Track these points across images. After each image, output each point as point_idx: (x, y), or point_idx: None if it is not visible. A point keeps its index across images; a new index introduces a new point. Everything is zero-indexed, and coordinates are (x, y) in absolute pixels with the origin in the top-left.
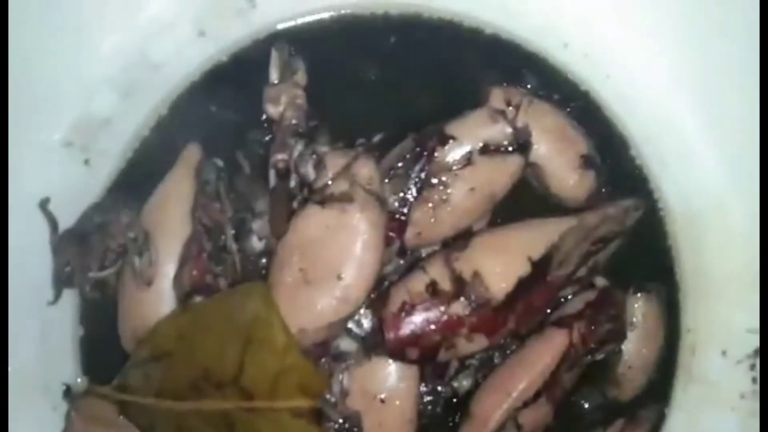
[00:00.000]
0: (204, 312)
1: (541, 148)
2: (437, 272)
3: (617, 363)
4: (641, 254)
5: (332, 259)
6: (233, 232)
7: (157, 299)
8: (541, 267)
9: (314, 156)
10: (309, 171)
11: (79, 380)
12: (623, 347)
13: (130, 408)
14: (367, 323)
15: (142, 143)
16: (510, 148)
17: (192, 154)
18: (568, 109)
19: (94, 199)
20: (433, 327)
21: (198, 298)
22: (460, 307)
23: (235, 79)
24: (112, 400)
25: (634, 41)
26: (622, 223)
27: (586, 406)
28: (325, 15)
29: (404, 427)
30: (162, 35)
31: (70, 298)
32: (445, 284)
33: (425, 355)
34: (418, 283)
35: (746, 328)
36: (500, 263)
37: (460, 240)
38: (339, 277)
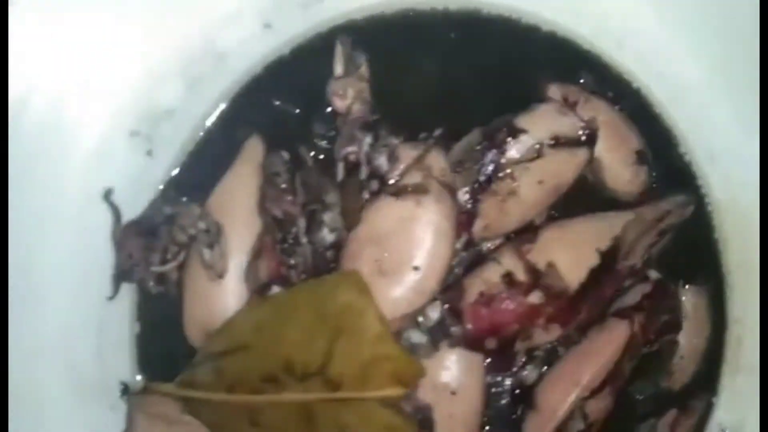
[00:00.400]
0: (288, 302)
1: (598, 144)
2: (511, 263)
3: (673, 353)
4: (689, 247)
5: (407, 250)
6: (305, 224)
7: (228, 292)
8: (608, 258)
9: (386, 148)
10: (382, 163)
11: (138, 378)
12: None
13: (196, 405)
14: (434, 315)
15: (204, 135)
16: (577, 142)
17: (254, 147)
18: (619, 107)
19: (155, 192)
20: (511, 317)
21: (275, 290)
22: (536, 297)
23: (297, 72)
24: (176, 397)
25: (681, 41)
26: (678, 217)
27: (639, 396)
28: (386, 10)
29: (473, 418)
30: (228, 27)
31: (126, 293)
32: (520, 275)
33: (503, 346)
34: (493, 274)
35: None
36: (572, 254)
37: (526, 233)
38: (414, 269)
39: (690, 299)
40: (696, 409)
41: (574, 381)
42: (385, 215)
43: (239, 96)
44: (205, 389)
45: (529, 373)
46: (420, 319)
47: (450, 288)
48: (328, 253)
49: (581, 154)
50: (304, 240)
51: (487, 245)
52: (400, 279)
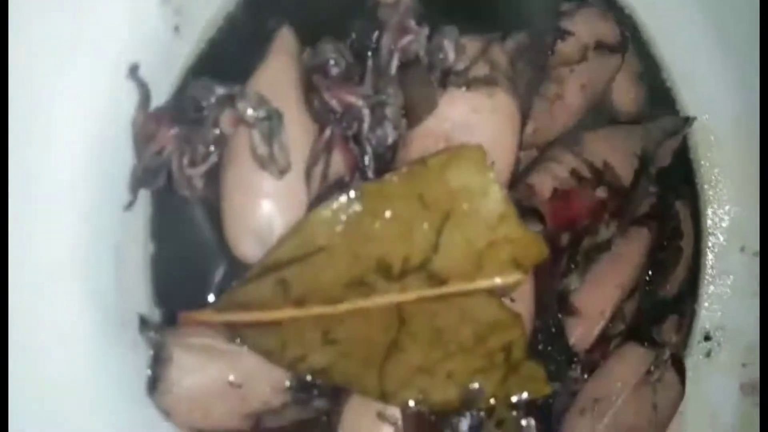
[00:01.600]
0: (381, 193)
1: None
2: (573, 162)
3: (679, 260)
4: (672, 165)
5: (482, 139)
6: (370, 117)
7: (291, 192)
8: (644, 161)
9: (450, 39)
10: (448, 54)
11: (155, 310)
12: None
13: (248, 330)
14: None
15: (231, 18)
16: (614, 47)
17: (286, 38)
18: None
19: (178, 78)
20: (586, 210)
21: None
22: (603, 192)
23: None
24: (221, 324)
25: None
26: (678, 135)
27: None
28: None
29: (528, 321)
30: None
31: (140, 205)
32: (585, 172)
33: (573, 242)
34: (561, 171)
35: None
36: (617, 157)
37: (571, 138)
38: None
39: (682, 212)
40: (686, 315)
41: (615, 283)
42: (457, 107)
43: None
44: (263, 308)
45: (572, 281)
46: None
47: (515, 188)
48: (387, 154)
49: (615, 60)
50: (370, 136)
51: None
52: None
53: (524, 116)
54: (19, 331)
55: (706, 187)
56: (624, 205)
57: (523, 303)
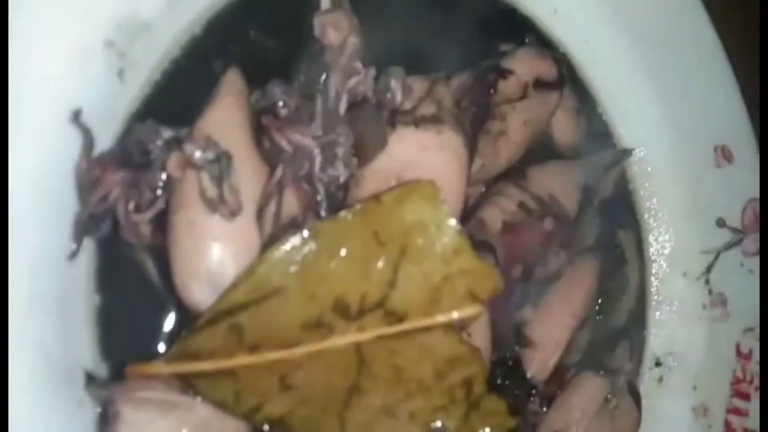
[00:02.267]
0: (336, 232)
1: None
2: (519, 195)
3: (626, 287)
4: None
5: (432, 179)
6: (321, 157)
7: (240, 233)
8: (587, 193)
9: (396, 80)
10: (395, 94)
11: (101, 364)
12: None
13: (201, 380)
14: None
15: (176, 61)
16: (552, 84)
17: (234, 80)
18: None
19: (121, 124)
20: (535, 241)
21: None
22: (549, 223)
23: (273, 5)
24: (171, 376)
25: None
26: (618, 167)
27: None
28: None
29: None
30: None
31: (84, 255)
32: (531, 204)
33: (525, 273)
34: (508, 204)
35: (700, 250)
36: (562, 188)
37: (515, 173)
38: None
39: (626, 241)
40: (636, 342)
41: (568, 313)
42: (406, 145)
43: (213, 23)
44: (216, 356)
45: (526, 312)
46: None
47: (465, 222)
48: (339, 193)
49: (554, 96)
50: (321, 176)
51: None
52: None
53: (471, 152)
54: None
55: (646, 216)
56: (571, 235)
57: (480, 337)
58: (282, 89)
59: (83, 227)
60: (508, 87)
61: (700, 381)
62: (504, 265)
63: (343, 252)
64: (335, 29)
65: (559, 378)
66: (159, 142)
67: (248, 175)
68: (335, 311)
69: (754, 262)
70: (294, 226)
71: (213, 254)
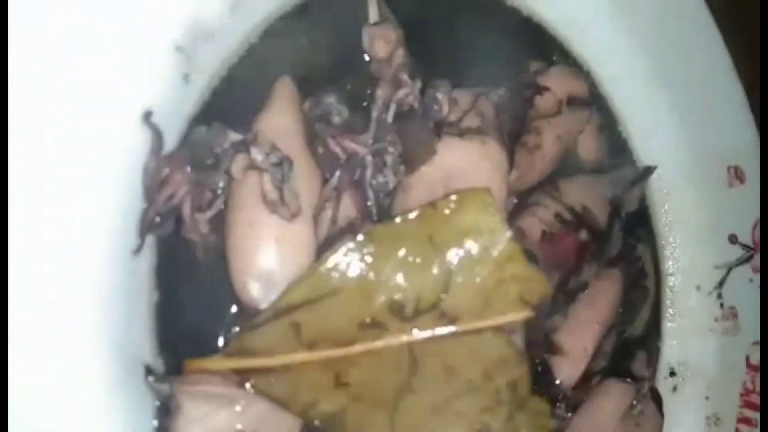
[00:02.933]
0: (393, 235)
1: None
2: (554, 206)
3: (646, 299)
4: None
5: (474, 185)
6: (373, 164)
7: (297, 235)
8: (615, 206)
9: (443, 92)
10: (442, 106)
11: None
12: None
13: (258, 377)
14: None
15: (232, 69)
16: (584, 102)
17: (287, 86)
18: None
19: (184, 126)
20: (571, 251)
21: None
22: (584, 234)
23: (323, 20)
24: (226, 372)
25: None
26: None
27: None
28: None
29: None
30: None
31: (146, 253)
32: (567, 215)
33: (562, 282)
34: (546, 215)
35: (713, 265)
36: (593, 201)
37: (549, 185)
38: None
39: (644, 254)
40: (653, 351)
41: (596, 321)
42: (452, 155)
43: (269, 33)
44: (274, 352)
45: (556, 320)
46: None
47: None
48: (386, 200)
49: (585, 113)
50: (372, 182)
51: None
52: None
53: (510, 164)
54: (23, 376)
55: (662, 231)
56: (603, 247)
57: (515, 342)
58: (335, 98)
59: (149, 224)
60: (544, 103)
61: (713, 391)
62: (548, 269)
63: (398, 255)
64: (383, 41)
65: (586, 384)
66: (226, 145)
67: (305, 180)
68: (391, 312)
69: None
70: (350, 230)
71: (271, 254)
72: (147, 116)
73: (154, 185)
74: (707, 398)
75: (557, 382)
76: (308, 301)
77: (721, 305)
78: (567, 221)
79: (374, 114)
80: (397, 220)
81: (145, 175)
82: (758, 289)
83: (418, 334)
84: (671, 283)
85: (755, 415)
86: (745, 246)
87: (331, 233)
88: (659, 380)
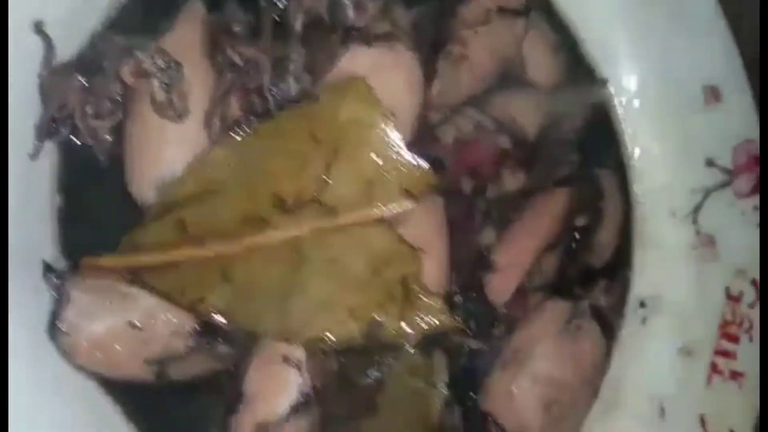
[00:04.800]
0: (274, 131)
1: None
2: (478, 116)
3: (601, 222)
4: (599, 138)
5: (383, 94)
6: (270, 70)
7: (188, 136)
8: (553, 119)
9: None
10: (349, 14)
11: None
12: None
13: (148, 273)
14: None
15: None
16: (517, 12)
17: (195, 7)
18: None
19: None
20: (486, 156)
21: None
22: (504, 142)
23: None
24: (121, 269)
25: None
26: (594, 100)
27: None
28: None
29: (441, 276)
30: None
31: (46, 157)
32: (489, 125)
33: (477, 189)
34: (464, 124)
35: (687, 189)
36: (525, 112)
37: (478, 101)
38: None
39: (605, 178)
40: (618, 282)
41: (530, 237)
42: (358, 62)
43: None
44: (162, 249)
45: (488, 234)
46: None
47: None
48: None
49: (519, 24)
50: (272, 89)
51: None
52: None
53: (430, 75)
54: None
55: (632, 155)
56: (530, 158)
57: (440, 258)
58: (236, 8)
59: (45, 130)
60: (469, 12)
61: (686, 323)
62: (453, 177)
63: (280, 150)
64: None
65: (522, 303)
66: (113, 52)
67: (199, 85)
68: (273, 206)
69: (747, 204)
70: (236, 128)
71: (163, 156)
72: (38, 26)
73: (47, 93)
74: (680, 329)
75: (489, 298)
76: (193, 197)
77: (697, 232)
78: (486, 129)
79: (269, 21)
80: (280, 115)
81: (39, 84)
82: (740, 216)
83: (300, 227)
84: (642, 210)
85: (734, 347)
86: (724, 169)
87: (221, 133)
88: (629, 313)
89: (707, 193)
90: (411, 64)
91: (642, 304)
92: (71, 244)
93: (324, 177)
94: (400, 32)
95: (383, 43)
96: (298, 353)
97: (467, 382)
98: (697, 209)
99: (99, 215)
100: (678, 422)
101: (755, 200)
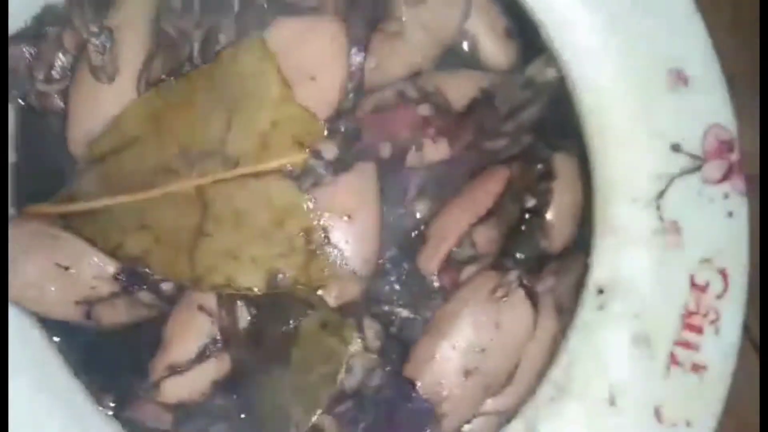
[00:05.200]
0: (183, 88)
1: (474, 20)
2: (402, 86)
3: (549, 202)
4: (557, 122)
5: (307, 63)
6: (200, 39)
7: (118, 96)
8: (485, 94)
9: None
10: None
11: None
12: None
13: (78, 220)
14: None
15: None
16: None
17: None
18: None
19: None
20: (403, 123)
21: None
22: (426, 110)
23: None
24: (55, 216)
25: None
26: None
27: (520, 255)
28: None
29: (370, 243)
30: None
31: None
32: (411, 93)
33: (396, 156)
34: (388, 93)
35: (650, 174)
36: (455, 85)
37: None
38: (313, 79)
39: (559, 161)
40: (573, 266)
41: (464, 209)
42: (284, 32)
43: None
44: (87, 199)
45: (422, 206)
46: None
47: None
48: None
49: (461, 3)
50: (197, 56)
51: None
52: (302, 89)
53: (365, 49)
54: None
55: (591, 138)
56: (453, 128)
57: (368, 223)
58: None
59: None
60: None
61: (642, 309)
62: (370, 143)
63: (188, 105)
64: None
65: (454, 275)
66: (57, 21)
67: (133, 46)
68: (180, 158)
69: (716, 191)
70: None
71: (97, 114)
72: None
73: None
74: (636, 316)
75: (418, 267)
76: (113, 151)
77: (660, 218)
78: (407, 97)
79: None
80: (190, 73)
81: None
82: (709, 203)
83: (203, 178)
84: (603, 195)
85: (697, 339)
86: (692, 155)
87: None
88: (587, 299)
89: (671, 179)
90: (336, 33)
91: (600, 291)
92: (22, 195)
93: (225, 130)
94: (327, 4)
95: (309, 12)
96: (212, 302)
97: (399, 350)
98: (660, 195)
99: (46, 170)
100: (630, 410)
101: (725, 187)
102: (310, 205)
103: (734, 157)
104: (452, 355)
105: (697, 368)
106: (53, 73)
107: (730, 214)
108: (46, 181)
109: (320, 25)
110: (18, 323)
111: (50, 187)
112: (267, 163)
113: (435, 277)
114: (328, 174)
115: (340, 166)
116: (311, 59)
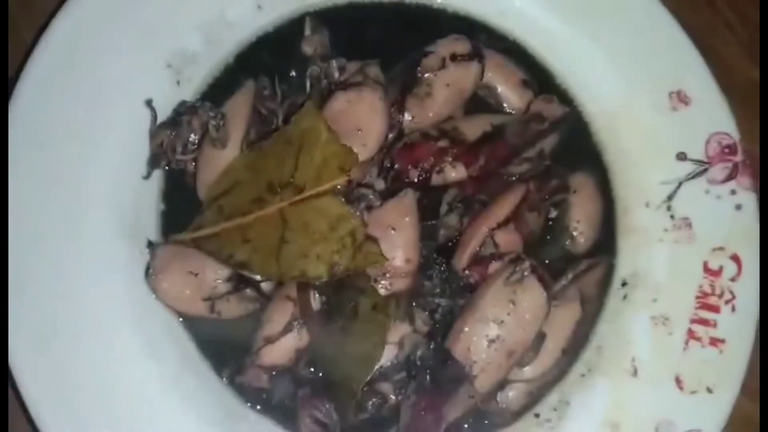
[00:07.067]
0: (266, 144)
1: (490, 75)
2: (428, 130)
3: (567, 211)
4: (575, 155)
5: (354, 121)
6: (282, 116)
7: (228, 156)
8: (498, 129)
9: (337, 64)
10: (335, 73)
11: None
12: (570, 200)
13: (202, 241)
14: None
15: (216, 77)
16: (469, 56)
17: (249, 85)
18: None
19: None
20: (426, 152)
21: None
22: (444, 143)
23: (281, 42)
24: (188, 240)
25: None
26: (547, 116)
27: (546, 260)
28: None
29: (412, 250)
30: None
31: (156, 181)
32: (432, 132)
33: (423, 178)
34: (414, 135)
35: (660, 181)
36: (470, 124)
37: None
38: (359, 130)
39: (578, 179)
40: (597, 265)
41: (483, 217)
42: (337, 102)
43: (242, 53)
44: (208, 226)
45: (452, 219)
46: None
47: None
48: None
49: (474, 65)
50: (281, 125)
51: None
52: (350, 138)
53: (401, 109)
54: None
55: (608, 160)
56: (468, 155)
57: (408, 233)
58: (265, 79)
59: (151, 159)
60: (429, 62)
61: (659, 294)
62: (402, 170)
63: (271, 154)
64: (309, 46)
65: (482, 270)
66: (186, 111)
67: (239, 126)
68: (267, 191)
69: (723, 189)
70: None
71: (211, 169)
72: (148, 102)
73: (151, 139)
74: (654, 301)
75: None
76: (224, 192)
77: (672, 216)
78: (430, 135)
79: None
80: (275, 134)
81: (149, 133)
82: (716, 200)
83: (283, 202)
84: (621, 205)
85: (714, 317)
86: (697, 161)
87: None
88: (612, 293)
89: (680, 183)
90: (373, 97)
91: (624, 284)
92: (167, 228)
93: (294, 167)
94: (368, 80)
95: (354, 87)
96: (293, 292)
97: (442, 331)
98: (670, 197)
99: (185, 210)
100: (651, 380)
101: (731, 185)
102: (356, 214)
103: (738, 158)
104: (478, 327)
105: (715, 342)
106: (187, 146)
107: (739, 206)
108: (184, 218)
109: (364, 94)
110: (165, 319)
111: (186, 221)
112: (322, 186)
113: (466, 273)
114: (377, 200)
115: (386, 193)
116: (358, 118)
